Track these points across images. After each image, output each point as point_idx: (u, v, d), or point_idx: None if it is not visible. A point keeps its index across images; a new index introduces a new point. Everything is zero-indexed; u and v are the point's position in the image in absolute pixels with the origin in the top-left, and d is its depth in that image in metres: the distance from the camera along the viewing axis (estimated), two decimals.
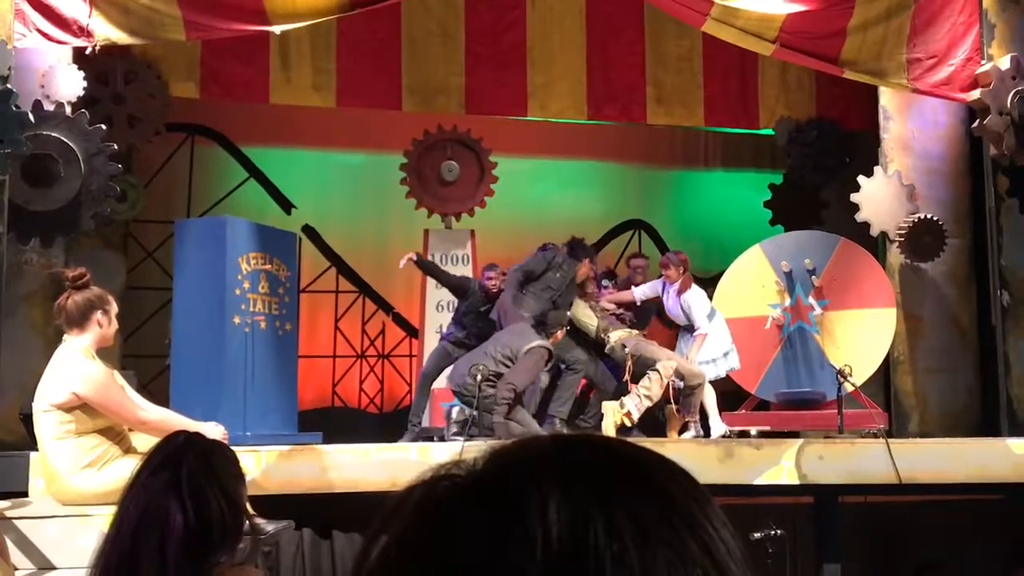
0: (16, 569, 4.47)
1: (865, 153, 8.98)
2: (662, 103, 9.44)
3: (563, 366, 7.49)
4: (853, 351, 7.80)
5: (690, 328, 7.79)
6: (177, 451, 2.34)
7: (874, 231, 8.21)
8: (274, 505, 5.01)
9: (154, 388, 7.65)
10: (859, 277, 8.10)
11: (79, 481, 4.53)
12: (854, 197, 8.22)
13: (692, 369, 7.33)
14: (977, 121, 7.43)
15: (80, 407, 4.51)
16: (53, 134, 6.26)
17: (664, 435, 7.44)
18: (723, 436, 7.29)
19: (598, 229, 10.48)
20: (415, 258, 8.24)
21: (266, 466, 5.85)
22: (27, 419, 5.28)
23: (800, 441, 6.58)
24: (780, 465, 6.39)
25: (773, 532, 6.07)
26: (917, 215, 8.00)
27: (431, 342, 8.64)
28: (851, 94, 9.10)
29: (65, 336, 4.65)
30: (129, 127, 8.24)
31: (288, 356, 7.31)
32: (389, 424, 8.97)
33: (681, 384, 7.28)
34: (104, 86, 8.09)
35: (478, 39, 9.06)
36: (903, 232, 7.99)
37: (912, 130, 8.35)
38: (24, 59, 6.44)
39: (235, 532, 2.34)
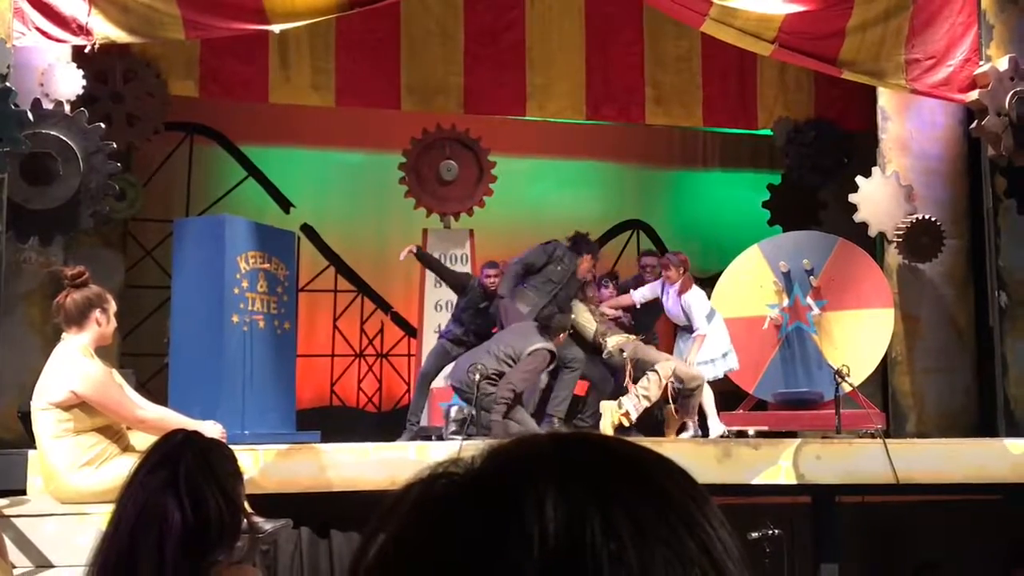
0: (14, 567, 4.47)
1: (863, 153, 8.98)
2: (661, 103, 9.44)
3: (560, 364, 7.49)
4: (851, 351, 7.80)
5: (689, 329, 7.78)
6: (175, 449, 2.34)
7: (872, 231, 8.22)
8: (272, 504, 5.01)
9: (152, 387, 7.65)
10: (857, 277, 8.11)
11: (77, 479, 4.53)
12: (852, 197, 8.22)
13: (691, 372, 7.34)
14: (975, 122, 7.43)
15: (78, 405, 4.51)
16: (52, 132, 6.25)
17: (662, 435, 7.44)
18: (721, 436, 7.29)
19: (597, 229, 10.44)
20: (415, 250, 8.24)
21: (264, 465, 5.85)
22: (25, 417, 5.28)
23: (798, 441, 6.59)
24: (778, 465, 6.40)
25: (771, 532, 6.08)
26: (915, 216, 8.01)
27: (429, 341, 8.64)
28: (849, 95, 9.11)
29: (64, 334, 4.65)
30: (128, 126, 8.24)
31: (286, 355, 7.31)
32: (387, 423, 8.97)
33: (680, 386, 7.29)
34: (103, 85, 8.09)
35: (477, 39, 9.06)
36: (901, 232, 7.99)
37: (910, 131, 8.36)
38: (23, 57, 6.44)
39: (233, 531, 2.35)
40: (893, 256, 8.20)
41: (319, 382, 10.09)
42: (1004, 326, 7.72)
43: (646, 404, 7.15)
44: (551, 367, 7.27)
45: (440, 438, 7.19)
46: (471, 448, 0.68)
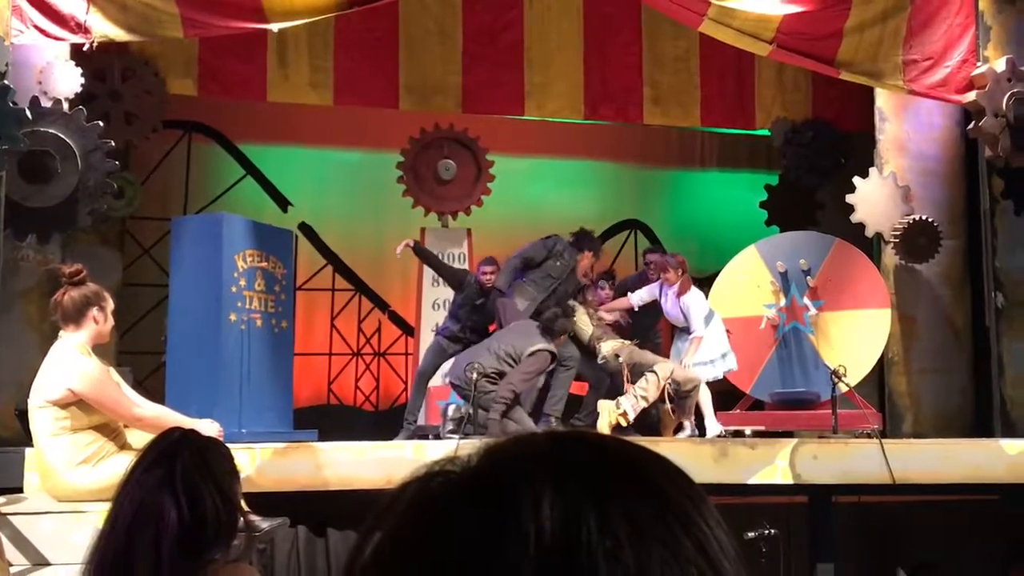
0: (11, 565, 4.47)
1: (861, 154, 8.99)
2: (659, 103, 9.45)
3: (556, 363, 7.49)
4: (848, 351, 7.81)
5: (688, 330, 7.78)
6: (172, 447, 2.34)
7: (869, 232, 8.22)
8: (269, 502, 5.01)
9: (150, 385, 7.65)
10: (854, 278, 8.12)
11: (74, 477, 4.53)
12: (849, 198, 8.23)
13: (687, 375, 7.35)
14: (972, 123, 7.44)
15: (76, 403, 4.51)
16: (50, 130, 6.25)
17: (659, 434, 7.45)
18: (718, 436, 7.30)
19: (594, 229, 10.38)
20: (412, 245, 8.21)
21: (261, 463, 5.85)
22: (23, 415, 5.29)
23: (794, 441, 6.59)
24: (774, 465, 6.40)
25: (767, 531, 6.09)
26: (912, 216, 8.02)
27: (427, 340, 8.63)
28: (847, 95, 9.12)
29: (61, 332, 4.65)
30: (126, 124, 8.24)
31: (284, 354, 7.31)
32: (385, 422, 8.97)
33: (676, 386, 7.30)
34: (101, 83, 8.09)
35: (476, 38, 9.07)
36: (898, 233, 8.00)
37: (908, 131, 8.37)
38: (21, 55, 6.43)
39: (230, 529, 2.35)
40: (890, 257, 8.21)
41: (316, 381, 10.09)
42: (1000, 327, 7.73)
43: (644, 405, 7.16)
44: (551, 367, 7.28)
45: (437, 437, 7.19)
46: (468, 447, 0.68)
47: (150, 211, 9.29)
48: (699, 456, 6.38)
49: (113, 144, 6.57)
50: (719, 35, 7.28)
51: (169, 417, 4.57)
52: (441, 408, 7.53)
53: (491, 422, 6.71)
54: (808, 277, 8.11)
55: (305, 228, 10.08)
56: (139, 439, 4.51)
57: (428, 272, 8.87)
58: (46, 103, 6.42)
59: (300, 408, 8.48)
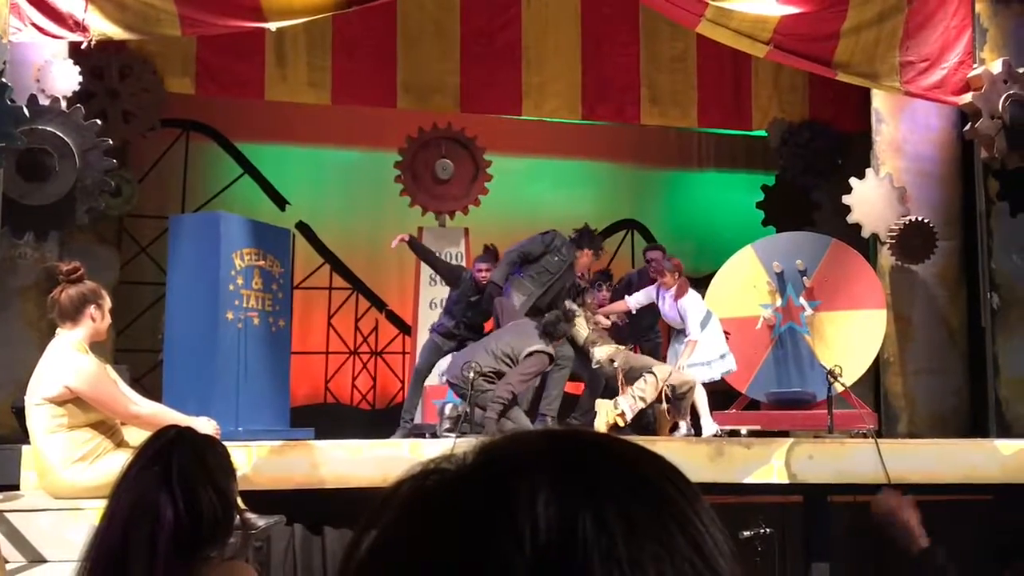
0: (7, 562, 4.48)
1: (857, 155, 9.01)
2: (656, 104, 9.46)
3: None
4: (843, 352, 7.82)
5: (685, 332, 7.79)
6: (168, 445, 2.34)
7: (865, 233, 8.24)
8: (265, 500, 5.02)
9: (147, 383, 7.65)
10: (850, 278, 8.13)
11: (71, 474, 4.53)
12: (846, 199, 8.25)
13: (682, 377, 7.36)
14: (969, 125, 7.46)
15: (72, 401, 4.52)
16: (48, 129, 6.25)
17: (655, 434, 7.46)
18: (714, 435, 7.31)
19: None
20: (408, 239, 8.19)
21: (258, 461, 5.86)
22: (19, 412, 5.29)
23: (790, 440, 6.61)
24: (770, 464, 6.42)
25: (762, 530, 6.10)
26: (908, 217, 8.03)
27: (424, 339, 8.63)
28: (844, 96, 9.13)
29: (58, 330, 4.65)
30: (124, 122, 8.23)
31: (281, 352, 7.31)
32: (381, 420, 8.96)
33: (672, 387, 7.31)
34: (99, 81, 8.08)
35: (473, 38, 9.07)
36: (894, 234, 8.02)
37: (904, 133, 8.38)
38: (19, 53, 6.44)
39: (226, 527, 2.35)
40: (886, 257, 8.22)
41: (313, 379, 10.10)
42: (996, 328, 7.75)
43: (642, 405, 7.18)
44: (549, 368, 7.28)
45: (434, 435, 7.19)
46: (464, 445, 0.69)
47: (148, 209, 9.29)
48: (695, 455, 6.39)
49: (111, 142, 6.57)
50: (716, 36, 7.29)
51: (166, 415, 4.58)
52: (438, 407, 7.54)
53: (488, 421, 6.71)
54: (804, 277, 8.12)
55: (303, 227, 10.07)
56: (136, 437, 4.51)
57: (425, 271, 8.87)
58: (44, 101, 6.43)
59: (297, 406, 8.49)
